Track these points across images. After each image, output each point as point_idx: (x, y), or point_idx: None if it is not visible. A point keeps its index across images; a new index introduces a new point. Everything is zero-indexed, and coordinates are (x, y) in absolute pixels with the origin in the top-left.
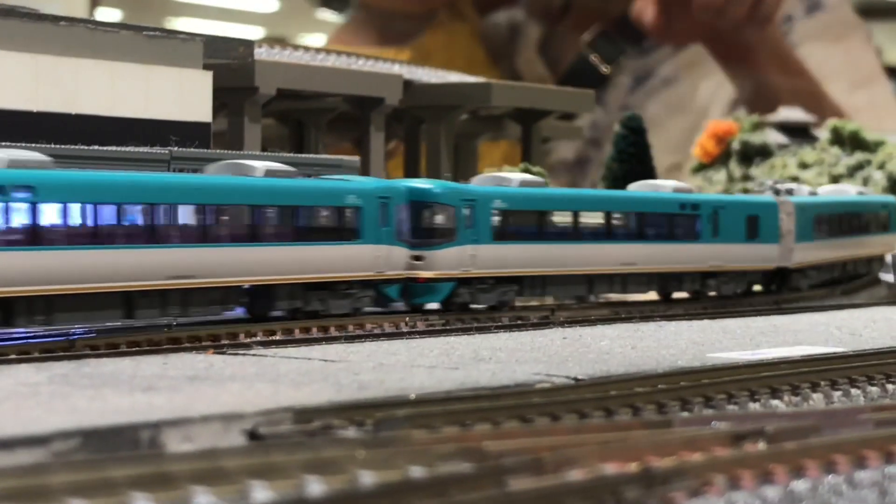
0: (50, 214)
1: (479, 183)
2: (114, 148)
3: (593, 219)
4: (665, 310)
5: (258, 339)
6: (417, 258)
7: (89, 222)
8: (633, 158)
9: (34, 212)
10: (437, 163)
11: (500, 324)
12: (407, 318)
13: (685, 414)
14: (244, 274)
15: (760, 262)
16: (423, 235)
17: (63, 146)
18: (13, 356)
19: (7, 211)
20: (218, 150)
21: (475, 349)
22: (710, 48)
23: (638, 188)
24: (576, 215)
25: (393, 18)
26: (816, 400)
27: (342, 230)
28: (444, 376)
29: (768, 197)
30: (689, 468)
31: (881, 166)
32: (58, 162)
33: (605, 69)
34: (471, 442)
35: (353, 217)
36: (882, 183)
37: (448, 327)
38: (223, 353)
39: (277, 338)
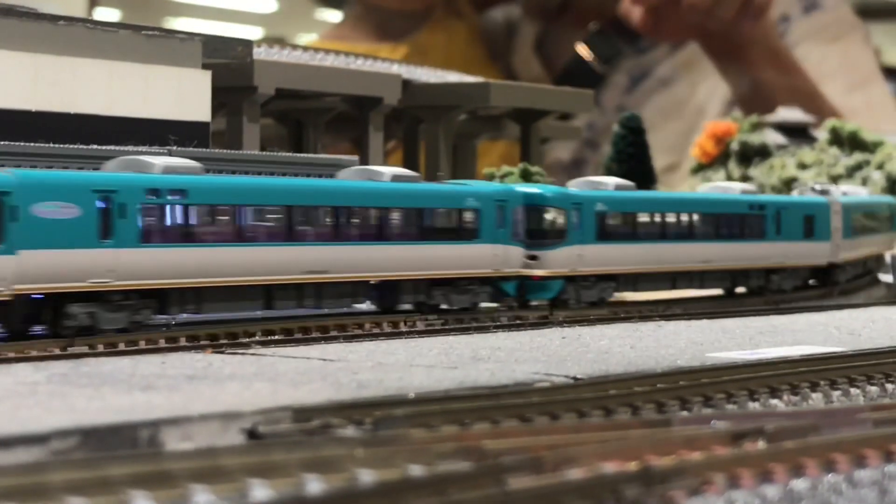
0: (200, 216)
1: (577, 187)
2: (112, 147)
3: (677, 220)
4: (664, 310)
5: (257, 338)
6: (532, 257)
7: (235, 222)
8: (633, 158)
9: (186, 213)
10: (436, 162)
11: (498, 323)
12: (405, 318)
13: (684, 413)
14: (373, 270)
15: (815, 259)
16: (537, 236)
17: (61, 145)
18: (12, 355)
19: (163, 212)
20: (217, 150)
21: (474, 349)
22: (704, 45)
23: (708, 191)
24: (663, 217)
25: (390, 16)
26: (816, 399)
27: (463, 231)
28: (443, 375)
29: (821, 198)
30: (688, 467)
31: (880, 166)
32: (207, 167)
33: (598, 67)
34: (470, 441)
35: (473, 219)
36: (881, 183)
37: (447, 327)
38: (222, 353)
39: (276, 337)
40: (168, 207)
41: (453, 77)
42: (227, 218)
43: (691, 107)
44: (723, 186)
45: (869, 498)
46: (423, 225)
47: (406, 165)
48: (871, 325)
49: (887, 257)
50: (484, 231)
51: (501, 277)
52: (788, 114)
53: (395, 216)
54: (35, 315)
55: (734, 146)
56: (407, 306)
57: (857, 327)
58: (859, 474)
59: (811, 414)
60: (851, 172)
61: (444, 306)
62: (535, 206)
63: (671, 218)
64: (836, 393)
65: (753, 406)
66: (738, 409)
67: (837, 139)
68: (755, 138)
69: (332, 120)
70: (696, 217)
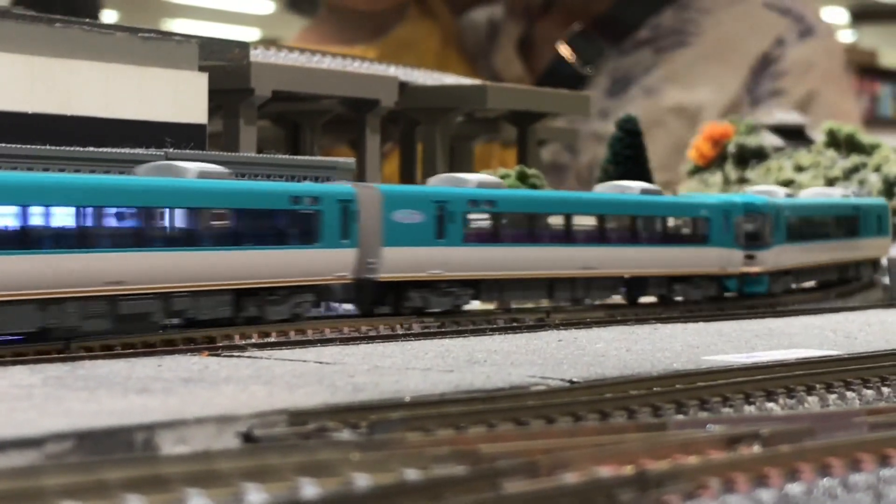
0: (505, 221)
1: (760, 194)
2: (109, 150)
3: (833, 222)
4: (660, 312)
5: (253, 341)
6: (750, 257)
7: (530, 227)
8: (629, 161)
9: (496, 219)
10: (433, 165)
11: (494, 326)
12: (402, 321)
13: (680, 416)
14: (627, 268)
15: (878, 253)
16: (753, 239)
17: (58, 147)
18: (8, 357)
19: (479, 218)
20: (214, 152)
21: (470, 352)
22: None
23: (813, 195)
24: (825, 219)
25: (361, 17)
26: (811, 403)
27: (697, 236)
28: (439, 379)
29: (882, 199)
30: (683, 471)
31: (877, 169)
32: None
33: (580, 68)
34: (465, 444)
35: (705, 226)
36: (878, 185)
37: (443, 329)
38: (218, 355)
39: (272, 340)
40: (482, 214)
41: (450, 79)
42: (525, 223)
43: (680, 114)
44: (825, 192)
45: (864, 502)
46: (666, 231)
47: (403, 168)
48: (868, 329)
49: (883, 261)
50: (713, 236)
51: (726, 275)
52: (785, 116)
53: (644, 223)
54: (381, 297)
55: (731, 148)
56: (651, 299)
57: (854, 330)
58: (854, 478)
59: (806, 417)
60: (848, 175)
61: (679, 298)
62: (752, 214)
63: (828, 220)
64: (832, 396)
65: (749, 409)
66: (734, 413)
67: (834, 141)
68: (752, 140)
69: (328, 122)
70: (840, 219)
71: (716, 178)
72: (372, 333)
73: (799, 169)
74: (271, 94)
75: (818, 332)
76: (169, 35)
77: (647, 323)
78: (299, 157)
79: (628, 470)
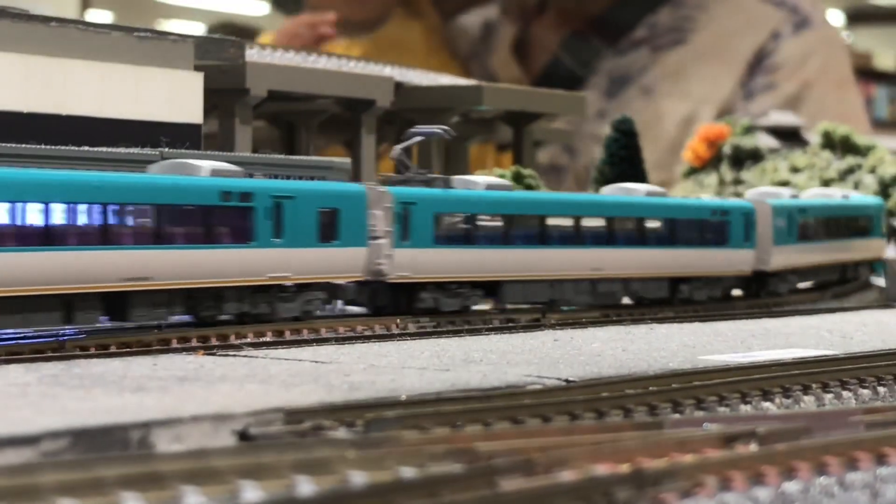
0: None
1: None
2: (104, 149)
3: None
4: (656, 312)
5: (248, 340)
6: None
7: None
8: (625, 162)
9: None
10: (428, 164)
11: (490, 326)
12: (398, 320)
13: (676, 415)
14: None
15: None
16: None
17: (52, 147)
18: (3, 356)
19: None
20: (209, 152)
21: (466, 351)
22: None
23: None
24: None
25: (345, 18)
26: (808, 402)
27: (863, 231)
28: (435, 378)
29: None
30: (680, 469)
31: (872, 170)
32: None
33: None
34: (462, 443)
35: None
36: (873, 187)
37: (439, 329)
38: (213, 355)
39: (268, 339)
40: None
41: (445, 80)
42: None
43: (677, 113)
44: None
45: (861, 500)
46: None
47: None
48: (864, 329)
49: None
50: (874, 231)
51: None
52: (781, 117)
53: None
54: None
55: (726, 149)
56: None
57: (850, 331)
58: (851, 477)
59: (803, 417)
60: (844, 176)
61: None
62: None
63: None
64: (828, 396)
65: (745, 409)
66: (730, 412)
67: (830, 143)
68: (747, 141)
69: (324, 122)
70: None
71: (711, 179)
72: (367, 333)
73: (794, 170)
74: (267, 94)
75: (815, 332)
76: (164, 34)
77: (644, 323)
78: (295, 157)
79: (625, 468)
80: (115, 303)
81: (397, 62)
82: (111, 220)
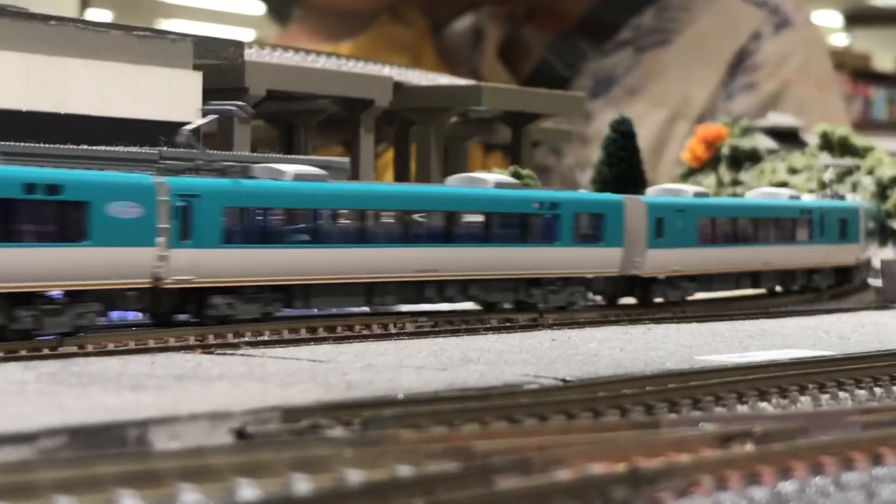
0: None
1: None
2: (103, 148)
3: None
4: (654, 313)
5: (246, 339)
6: None
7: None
8: (623, 162)
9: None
10: (427, 165)
11: (488, 325)
12: (395, 319)
13: (673, 415)
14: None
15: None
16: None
17: (52, 146)
18: (1, 354)
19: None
20: (207, 151)
21: (463, 350)
22: None
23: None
24: None
25: (332, 20)
26: (804, 402)
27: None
28: (433, 377)
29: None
30: (676, 469)
31: (870, 172)
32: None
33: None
34: (459, 442)
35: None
36: (871, 188)
37: (437, 328)
38: (211, 353)
39: (265, 338)
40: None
41: (444, 80)
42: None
43: (660, 112)
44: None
45: (856, 500)
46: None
47: (397, 168)
48: (861, 330)
49: (876, 262)
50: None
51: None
52: (779, 118)
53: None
54: None
55: (725, 151)
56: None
57: (847, 331)
58: (847, 477)
59: (799, 416)
60: (841, 177)
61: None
62: None
63: None
64: (825, 396)
65: (742, 409)
66: (727, 412)
67: (828, 144)
68: (746, 143)
69: (323, 122)
70: None
71: (709, 180)
72: (365, 332)
73: (792, 171)
74: (266, 94)
75: (811, 332)
76: (164, 33)
77: (641, 323)
78: (293, 157)
79: (621, 467)
80: None
81: None
82: None
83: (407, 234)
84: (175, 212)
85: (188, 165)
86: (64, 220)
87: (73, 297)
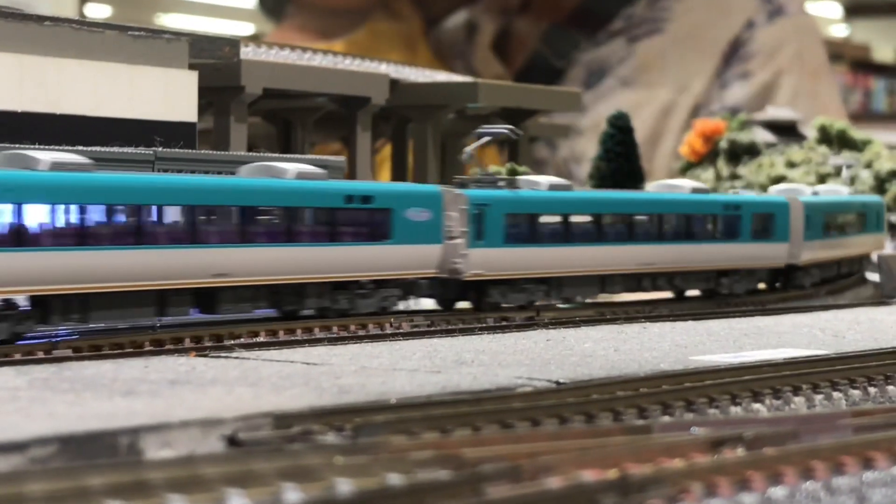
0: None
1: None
2: (98, 148)
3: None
4: (650, 311)
5: (241, 341)
6: None
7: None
8: (621, 157)
9: None
10: (425, 162)
11: (484, 325)
12: (391, 320)
13: (665, 418)
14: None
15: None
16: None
17: (47, 146)
18: None
19: None
20: (204, 151)
21: (458, 352)
22: None
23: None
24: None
25: (326, 17)
26: (798, 403)
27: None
28: (426, 380)
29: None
30: (666, 475)
31: (868, 165)
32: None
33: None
34: (449, 448)
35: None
36: (869, 182)
37: (432, 329)
38: (205, 356)
39: (260, 340)
40: None
41: (441, 76)
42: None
43: (654, 103)
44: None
45: None
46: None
47: (395, 165)
48: (856, 327)
49: (874, 257)
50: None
51: None
52: (777, 112)
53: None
54: None
55: (723, 145)
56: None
57: (842, 329)
58: (837, 481)
59: (791, 420)
60: (840, 171)
61: None
62: None
63: None
64: (819, 397)
65: (735, 410)
66: (720, 415)
67: (826, 138)
68: (744, 136)
69: (320, 119)
70: None
71: (708, 174)
72: (360, 333)
73: (791, 165)
74: (262, 92)
75: (807, 330)
76: (159, 33)
77: (637, 321)
78: (290, 156)
79: (611, 474)
80: None
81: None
82: None
83: (630, 233)
84: (472, 218)
85: (468, 179)
86: (373, 223)
87: (379, 284)
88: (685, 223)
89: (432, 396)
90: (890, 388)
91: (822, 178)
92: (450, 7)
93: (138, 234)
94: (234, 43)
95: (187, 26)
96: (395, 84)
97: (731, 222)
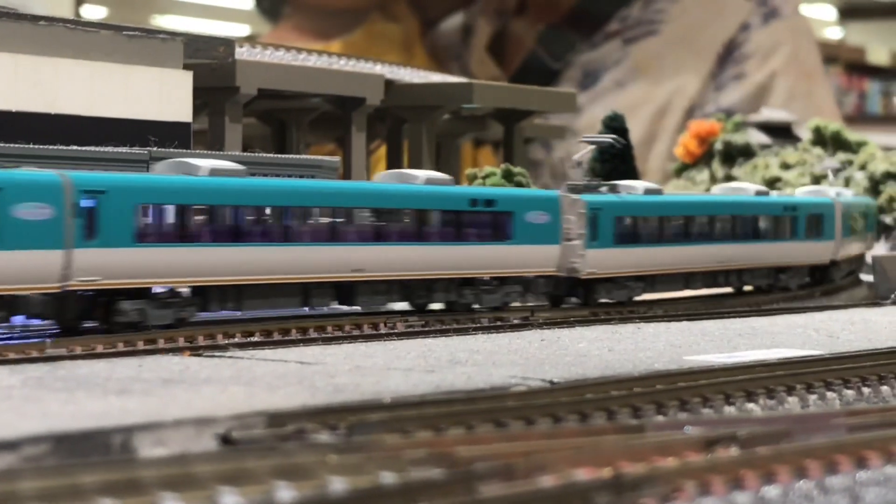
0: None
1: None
2: (93, 148)
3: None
4: (644, 311)
5: (235, 340)
6: None
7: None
8: (616, 158)
9: None
10: (420, 162)
11: (478, 325)
12: (385, 320)
13: (659, 418)
14: None
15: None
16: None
17: (42, 146)
18: None
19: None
20: (199, 151)
21: (452, 351)
22: None
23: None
24: None
25: (322, 18)
26: (792, 403)
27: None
28: (420, 379)
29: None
30: (659, 474)
31: (863, 167)
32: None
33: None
34: (443, 447)
35: None
36: (863, 183)
37: (426, 328)
38: (199, 356)
39: (255, 339)
40: None
41: (436, 77)
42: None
43: (649, 105)
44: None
45: None
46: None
47: (390, 165)
48: (850, 328)
49: (868, 258)
50: None
51: None
52: (772, 113)
53: None
54: None
55: (718, 146)
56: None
57: (836, 329)
58: (831, 481)
59: (784, 419)
60: (834, 172)
61: None
62: None
63: None
64: (813, 397)
65: (729, 410)
66: (713, 414)
67: (821, 139)
68: (739, 138)
69: (315, 120)
70: None
71: (703, 175)
72: (355, 332)
73: (785, 166)
74: (257, 92)
75: (801, 331)
76: (154, 33)
77: (631, 321)
78: (285, 156)
79: (605, 473)
80: None
81: None
82: None
83: (711, 233)
84: (588, 220)
85: (581, 184)
86: (496, 225)
87: (501, 281)
88: (754, 224)
89: (426, 395)
90: (884, 388)
91: (816, 180)
92: (446, 9)
93: (286, 233)
94: (228, 43)
95: (183, 27)
96: (389, 85)
97: (790, 222)
